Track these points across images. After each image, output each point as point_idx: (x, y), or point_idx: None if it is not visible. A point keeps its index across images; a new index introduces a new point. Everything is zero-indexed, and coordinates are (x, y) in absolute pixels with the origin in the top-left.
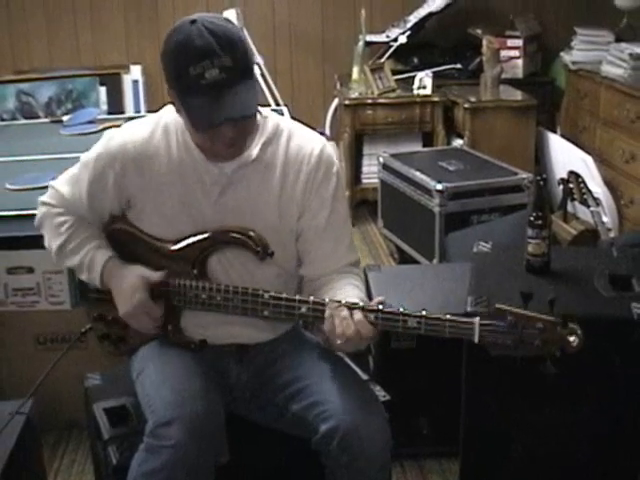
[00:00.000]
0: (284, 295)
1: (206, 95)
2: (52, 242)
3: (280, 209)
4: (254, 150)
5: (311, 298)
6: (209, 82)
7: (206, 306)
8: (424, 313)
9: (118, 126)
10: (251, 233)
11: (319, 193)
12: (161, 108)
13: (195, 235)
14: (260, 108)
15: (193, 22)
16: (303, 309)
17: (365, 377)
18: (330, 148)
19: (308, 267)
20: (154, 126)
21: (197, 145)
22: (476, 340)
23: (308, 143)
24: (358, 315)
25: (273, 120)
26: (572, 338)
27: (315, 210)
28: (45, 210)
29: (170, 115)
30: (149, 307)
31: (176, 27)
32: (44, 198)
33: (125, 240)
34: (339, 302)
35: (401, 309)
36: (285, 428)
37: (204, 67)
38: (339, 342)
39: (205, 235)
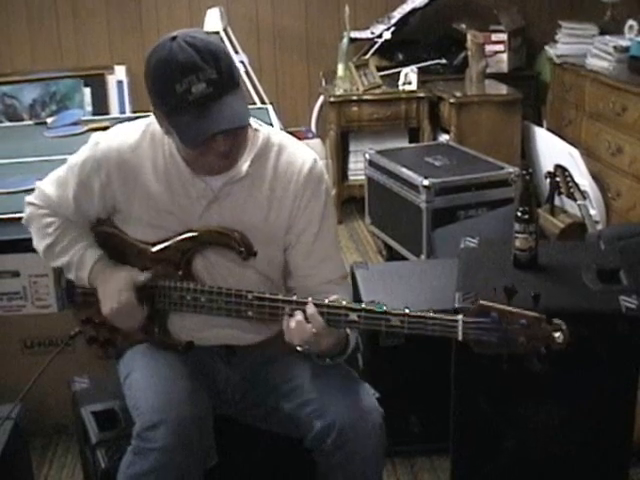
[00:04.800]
0: (267, 295)
1: (194, 110)
2: (40, 242)
3: (267, 226)
4: (244, 166)
5: (294, 297)
6: (196, 97)
7: (191, 308)
8: (407, 311)
9: (103, 128)
10: (235, 234)
11: (307, 210)
12: (146, 109)
13: (177, 235)
14: (251, 121)
15: (173, 39)
16: (287, 309)
17: (356, 374)
18: (320, 164)
19: (295, 280)
20: (142, 133)
21: (185, 160)
22: (460, 338)
23: (298, 159)
24: (311, 309)
25: (263, 134)
26: (557, 334)
27: (303, 227)
28: (32, 210)
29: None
30: (133, 307)
31: (156, 46)
32: (30, 198)
33: (110, 242)
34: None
35: (385, 308)
36: (276, 428)
37: (190, 82)
38: (297, 344)
39: (187, 235)
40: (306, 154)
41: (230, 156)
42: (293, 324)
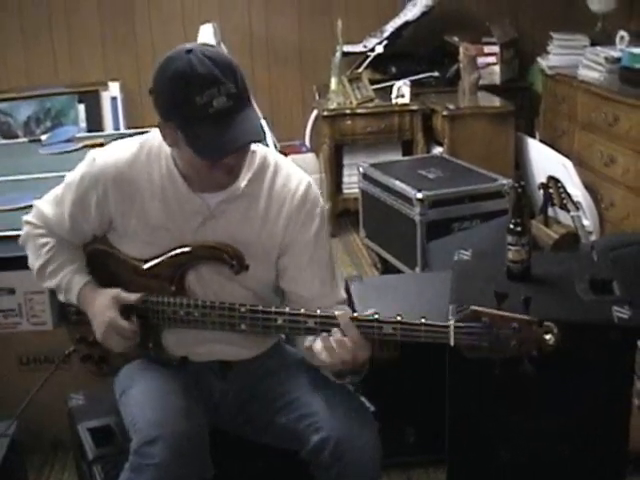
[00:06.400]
0: (260, 308)
1: (214, 123)
2: (34, 262)
3: (259, 244)
4: (241, 184)
5: (287, 309)
6: (217, 110)
7: (185, 323)
8: (399, 319)
9: (98, 145)
10: (227, 247)
11: (302, 233)
12: (140, 125)
13: (170, 251)
14: None
15: (189, 51)
16: (280, 321)
17: (350, 388)
18: (315, 188)
19: (297, 306)
20: (139, 149)
21: (183, 175)
22: (452, 343)
23: (292, 181)
24: (344, 319)
25: (260, 153)
26: (548, 336)
27: (298, 249)
28: (28, 229)
29: (155, 141)
30: (119, 326)
31: (171, 57)
32: (28, 217)
33: (104, 260)
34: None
35: (376, 316)
36: (272, 441)
37: (212, 95)
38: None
39: (180, 250)
40: (300, 178)
41: (234, 171)
42: (334, 343)
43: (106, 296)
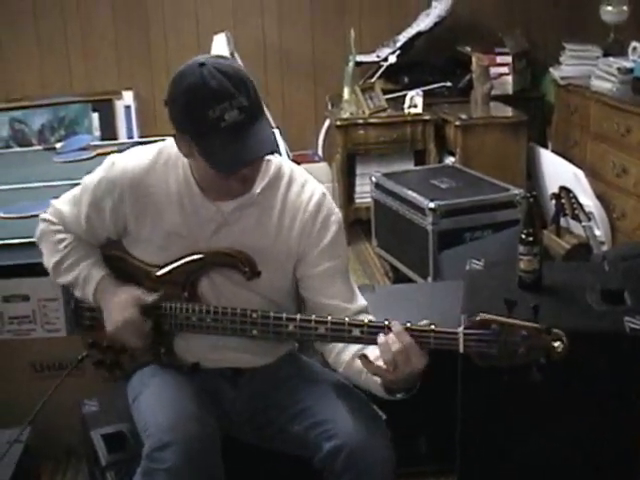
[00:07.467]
0: (272, 314)
1: (226, 136)
2: (50, 258)
3: (274, 252)
4: (255, 192)
5: (298, 316)
6: (229, 124)
7: (197, 329)
8: (408, 325)
9: (111, 153)
10: (239, 254)
11: (316, 242)
12: (154, 133)
13: (182, 258)
14: None
15: (201, 65)
16: (291, 327)
17: (363, 396)
18: (329, 198)
19: (317, 314)
20: (156, 156)
21: (198, 184)
22: (461, 350)
23: (306, 191)
24: (397, 327)
25: (275, 163)
26: (557, 344)
27: (313, 258)
28: (45, 226)
29: (173, 148)
30: (137, 323)
31: (184, 71)
32: (45, 215)
33: (117, 265)
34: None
35: (385, 322)
36: (284, 448)
37: (223, 109)
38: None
39: (192, 257)
40: (314, 187)
41: (249, 180)
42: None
43: (129, 293)
